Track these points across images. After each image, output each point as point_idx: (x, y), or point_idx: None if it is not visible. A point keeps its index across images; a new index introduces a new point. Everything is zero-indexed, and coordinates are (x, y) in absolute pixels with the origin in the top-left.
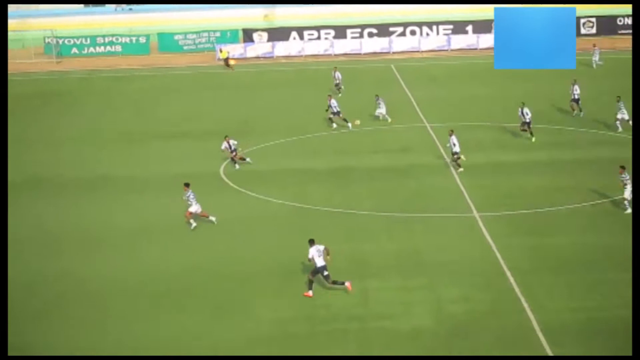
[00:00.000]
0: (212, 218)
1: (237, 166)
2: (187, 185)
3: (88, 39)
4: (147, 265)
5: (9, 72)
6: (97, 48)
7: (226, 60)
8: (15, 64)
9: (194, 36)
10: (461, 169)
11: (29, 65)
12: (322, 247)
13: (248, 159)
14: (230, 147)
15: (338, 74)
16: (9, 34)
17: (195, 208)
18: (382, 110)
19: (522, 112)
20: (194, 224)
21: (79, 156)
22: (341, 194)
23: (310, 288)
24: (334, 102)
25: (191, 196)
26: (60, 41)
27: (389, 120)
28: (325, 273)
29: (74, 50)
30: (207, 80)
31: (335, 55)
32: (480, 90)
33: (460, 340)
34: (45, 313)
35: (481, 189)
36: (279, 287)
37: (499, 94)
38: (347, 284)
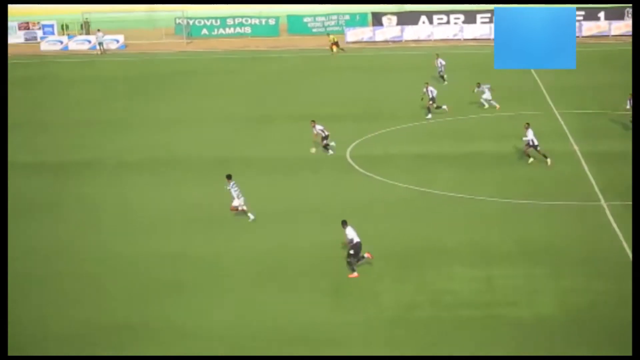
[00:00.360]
0: (251, 216)
1: (330, 151)
2: (229, 177)
3: (218, 20)
4: (274, 245)
5: (140, 51)
6: (227, 29)
7: (335, 44)
8: (145, 44)
9: (323, 19)
10: (531, 160)
11: (159, 45)
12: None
13: (331, 150)
14: (321, 132)
15: (441, 61)
16: (140, 14)
17: (237, 202)
18: (487, 96)
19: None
20: (252, 217)
21: (213, 136)
22: (465, 179)
23: (353, 270)
24: (432, 89)
25: (234, 188)
26: (191, 22)
27: (497, 107)
28: (360, 254)
29: (204, 31)
30: (334, 63)
31: (464, 40)
32: (614, 77)
33: (582, 331)
34: (178, 286)
35: (609, 178)
36: (401, 271)
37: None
38: (367, 255)
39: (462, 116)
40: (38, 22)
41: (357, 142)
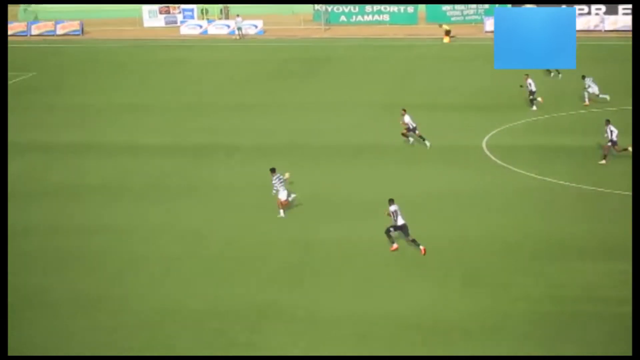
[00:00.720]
0: (293, 196)
1: (411, 140)
2: (272, 170)
3: (357, 7)
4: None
5: (278, 37)
6: (365, 17)
7: (447, 33)
8: (283, 30)
9: (463, 7)
10: (603, 162)
11: (297, 31)
12: (398, 209)
13: (427, 142)
14: (409, 123)
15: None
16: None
17: (282, 194)
18: (593, 89)
19: None
20: (282, 212)
21: (348, 122)
22: (596, 173)
23: (392, 242)
24: (530, 82)
25: (277, 182)
26: (329, 8)
27: (608, 98)
28: (407, 232)
29: (342, 18)
30: (470, 52)
31: (605, 31)
32: None
33: None
34: (298, 274)
35: None
36: (527, 263)
37: None
38: (421, 247)
39: (597, 109)
40: (178, 6)
41: (493, 132)
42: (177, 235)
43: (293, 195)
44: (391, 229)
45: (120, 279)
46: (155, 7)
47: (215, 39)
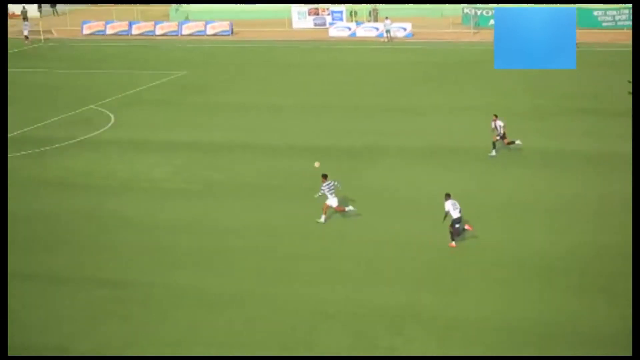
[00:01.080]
0: (350, 208)
1: (493, 152)
2: (324, 176)
3: None
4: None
5: (426, 40)
6: None
7: None
8: (432, 33)
9: (614, 12)
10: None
11: (445, 34)
12: (456, 202)
13: (518, 141)
14: (497, 128)
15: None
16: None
17: (332, 201)
18: None
19: None
20: (323, 218)
21: (474, 126)
22: None
23: (452, 239)
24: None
25: (326, 188)
26: (479, 12)
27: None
28: (457, 225)
29: (492, 22)
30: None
31: None
32: None
33: None
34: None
35: None
36: None
37: None
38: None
39: None
40: (327, 8)
41: None
42: (322, 237)
43: (351, 208)
44: (456, 224)
45: (276, 277)
46: (305, 8)
47: (364, 41)
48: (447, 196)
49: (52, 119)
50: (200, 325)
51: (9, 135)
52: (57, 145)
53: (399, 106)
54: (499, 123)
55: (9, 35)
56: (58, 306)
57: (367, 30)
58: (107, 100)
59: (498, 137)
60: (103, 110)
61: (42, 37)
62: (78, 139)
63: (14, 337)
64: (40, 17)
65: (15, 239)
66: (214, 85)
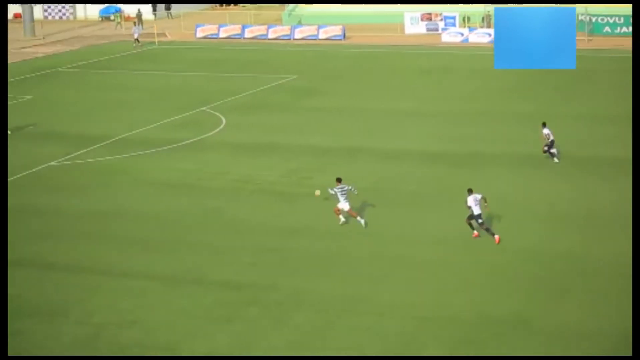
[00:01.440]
0: (361, 220)
1: (555, 160)
2: (338, 180)
3: (622, 18)
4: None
5: None
6: (630, 27)
7: None
8: None
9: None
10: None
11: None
12: (479, 196)
13: (555, 159)
14: (548, 136)
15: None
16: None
17: (343, 205)
18: None
19: None
20: (343, 220)
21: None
22: None
23: (473, 229)
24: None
25: (338, 191)
26: (593, 19)
27: None
28: (480, 220)
29: (606, 29)
30: None
31: None
32: None
33: None
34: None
35: None
36: None
37: None
38: (496, 237)
39: None
40: (440, 14)
41: None
42: (430, 242)
43: (361, 220)
44: (479, 220)
45: (381, 282)
46: (417, 13)
47: (477, 47)
48: (470, 191)
49: (164, 121)
50: (318, 330)
51: (122, 136)
52: (166, 147)
53: (514, 111)
54: (545, 131)
55: (122, 38)
56: (175, 307)
57: (479, 36)
58: (218, 102)
59: (546, 147)
60: (214, 112)
61: (156, 39)
62: (190, 141)
63: (133, 337)
64: (155, 19)
65: (132, 238)
66: (325, 89)
